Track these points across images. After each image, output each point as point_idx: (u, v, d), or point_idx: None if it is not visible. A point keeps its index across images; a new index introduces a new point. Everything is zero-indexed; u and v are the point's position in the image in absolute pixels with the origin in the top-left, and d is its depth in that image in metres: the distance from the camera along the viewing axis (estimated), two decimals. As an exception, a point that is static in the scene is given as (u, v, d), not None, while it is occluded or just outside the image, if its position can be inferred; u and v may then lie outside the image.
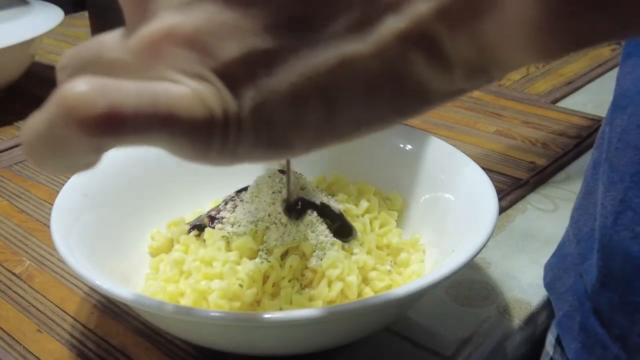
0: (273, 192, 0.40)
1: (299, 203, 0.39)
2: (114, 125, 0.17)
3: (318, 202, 0.40)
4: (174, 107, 0.18)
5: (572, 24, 0.17)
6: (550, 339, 0.42)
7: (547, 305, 0.43)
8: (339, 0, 0.18)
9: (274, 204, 0.40)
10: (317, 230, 0.39)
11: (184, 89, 0.19)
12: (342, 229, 0.40)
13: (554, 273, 0.41)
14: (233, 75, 0.19)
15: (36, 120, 0.18)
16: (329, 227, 0.39)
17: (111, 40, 0.20)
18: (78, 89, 0.17)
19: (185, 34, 0.19)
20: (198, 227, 0.41)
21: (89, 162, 0.20)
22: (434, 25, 0.18)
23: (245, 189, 0.42)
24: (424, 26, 0.18)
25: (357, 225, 0.41)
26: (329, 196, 0.42)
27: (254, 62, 0.19)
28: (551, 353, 0.41)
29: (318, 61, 0.19)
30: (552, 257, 0.42)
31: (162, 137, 0.19)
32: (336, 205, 0.41)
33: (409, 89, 0.19)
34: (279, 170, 0.42)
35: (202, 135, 0.19)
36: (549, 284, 0.41)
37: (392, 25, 0.18)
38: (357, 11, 0.18)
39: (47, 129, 0.18)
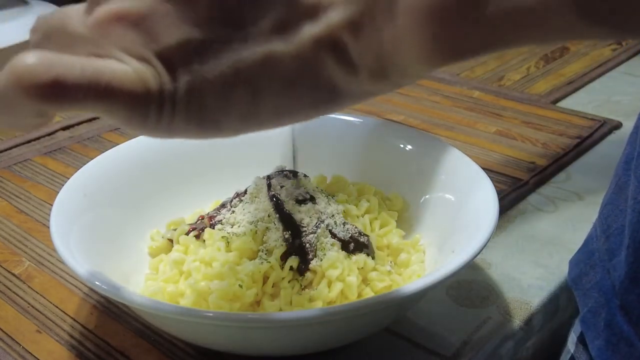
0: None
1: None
2: (55, 93, 0.20)
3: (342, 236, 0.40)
4: (114, 82, 0.21)
5: (449, 38, 0.20)
6: (572, 337, 0.42)
7: (547, 306, 0.43)
8: (265, 3, 0.21)
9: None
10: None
11: (126, 68, 0.22)
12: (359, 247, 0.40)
13: (579, 269, 0.41)
14: (171, 60, 0.22)
15: None
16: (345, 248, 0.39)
17: (74, 13, 0.23)
18: (28, 61, 0.20)
19: (133, 17, 0.22)
20: (198, 229, 0.41)
21: (34, 124, 0.23)
22: (343, 33, 0.21)
23: (244, 192, 0.42)
24: (335, 33, 0.21)
25: (357, 225, 0.41)
26: (329, 196, 0.42)
27: (190, 49, 0.22)
28: (572, 351, 0.41)
29: (246, 55, 0.22)
30: (577, 253, 0.42)
31: (101, 107, 0.22)
32: (340, 216, 0.41)
33: (322, 86, 0.22)
34: (278, 170, 0.42)
35: (139, 109, 0.22)
36: (574, 279, 0.41)
37: (309, 30, 0.21)
38: (281, 14, 0.21)
39: None
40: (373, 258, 0.40)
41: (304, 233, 0.38)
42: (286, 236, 0.38)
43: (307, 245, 0.38)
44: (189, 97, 0.22)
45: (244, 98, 0.22)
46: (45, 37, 0.24)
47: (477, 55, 0.21)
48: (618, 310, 0.36)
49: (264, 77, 0.22)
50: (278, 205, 0.39)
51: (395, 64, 0.21)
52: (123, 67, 0.22)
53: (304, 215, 0.39)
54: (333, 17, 0.21)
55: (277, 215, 0.39)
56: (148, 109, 0.22)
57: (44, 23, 0.24)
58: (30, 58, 0.21)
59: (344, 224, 0.40)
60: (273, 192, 0.40)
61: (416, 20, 0.20)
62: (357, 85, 0.23)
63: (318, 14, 0.21)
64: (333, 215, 0.40)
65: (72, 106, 0.21)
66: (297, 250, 0.38)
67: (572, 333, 0.42)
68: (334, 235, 0.39)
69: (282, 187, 0.41)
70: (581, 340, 0.40)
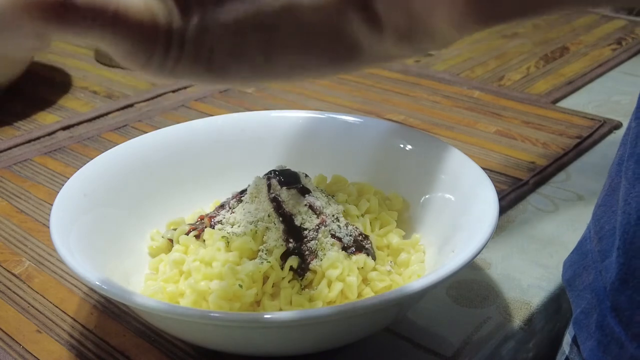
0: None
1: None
2: (63, 13, 0.19)
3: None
4: (123, 9, 0.20)
5: (483, 7, 0.19)
6: (567, 338, 0.42)
7: (547, 306, 0.43)
8: None
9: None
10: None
11: (138, 0, 0.20)
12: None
13: (573, 270, 0.41)
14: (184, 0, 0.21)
15: None
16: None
17: None
18: None
19: None
20: (198, 229, 0.41)
21: (28, 48, 0.22)
22: None
23: (244, 191, 0.42)
24: None
25: (357, 225, 0.41)
26: (329, 196, 0.42)
27: None
28: (567, 352, 0.41)
29: (266, 2, 0.21)
30: (571, 254, 0.42)
31: (106, 35, 0.20)
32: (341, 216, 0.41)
33: (343, 43, 0.21)
34: (276, 170, 0.42)
35: (144, 43, 0.21)
36: (568, 280, 0.41)
37: None
38: None
39: None
40: (374, 259, 0.40)
41: (305, 239, 0.38)
42: (290, 244, 0.38)
43: (307, 252, 0.38)
44: (200, 39, 0.21)
45: (259, 46, 0.21)
46: None
47: (511, 20, 0.20)
48: (609, 311, 0.36)
49: (283, 27, 0.21)
50: (279, 208, 0.39)
51: (424, 26, 0.20)
52: None
53: (305, 216, 0.39)
54: None
55: (280, 219, 0.39)
56: (154, 44, 0.21)
57: None
58: None
59: (346, 225, 0.40)
60: (274, 194, 0.40)
61: None
62: (379, 46, 0.22)
63: None
64: (334, 215, 0.40)
65: (75, 31, 0.20)
66: (297, 252, 0.38)
67: (567, 334, 0.42)
68: (334, 236, 0.39)
69: (282, 187, 0.40)
70: (575, 341, 0.40)
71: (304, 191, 0.40)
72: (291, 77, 0.23)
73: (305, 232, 0.39)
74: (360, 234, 0.40)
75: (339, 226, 0.40)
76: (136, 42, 0.21)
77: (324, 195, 0.42)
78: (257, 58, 0.22)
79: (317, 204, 0.40)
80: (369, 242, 0.40)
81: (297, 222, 0.39)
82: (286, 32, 0.21)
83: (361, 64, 0.22)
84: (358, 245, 0.39)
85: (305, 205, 0.40)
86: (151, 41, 0.21)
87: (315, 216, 0.39)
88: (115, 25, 0.20)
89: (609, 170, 0.40)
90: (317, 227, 0.39)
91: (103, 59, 0.83)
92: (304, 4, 0.21)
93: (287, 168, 0.43)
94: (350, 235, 0.39)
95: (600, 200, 0.40)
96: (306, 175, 0.42)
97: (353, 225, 0.41)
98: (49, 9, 0.19)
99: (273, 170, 0.42)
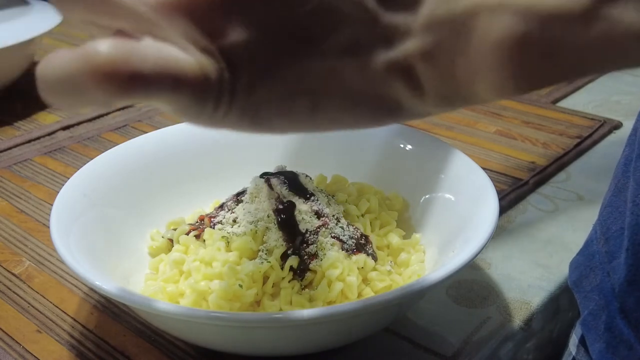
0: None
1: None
2: (133, 85, 0.20)
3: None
4: (182, 73, 0.21)
5: (526, 74, 0.20)
6: (573, 339, 0.41)
7: (547, 306, 0.43)
8: (342, 21, 0.21)
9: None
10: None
11: (189, 57, 0.21)
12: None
13: (580, 271, 0.41)
14: (234, 58, 0.21)
15: (58, 64, 0.20)
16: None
17: None
18: (104, 50, 0.19)
19: (204, 6, 0.21)
20: (198, 229, 0.41)
21: (98, 106, 0.22)
22: (417, 61, 0.21)
23: (240, 193, 0.42)
24: (409, 61, 0.21)
25: (357, 225, 0.41)
26: (329, 196, 0.42)
27: (257, 52, 0.21)
28: (574, 353, 0.41)
29: (313, 67, 0.21)
30: (577, 255, 0.42)
31: (166, 97, 0.21)
32: (337, 206, 0.41)
33: (385, 104, 0.22)
34: (275, 171, 0.42)
35: (197, 100, 0.21)
36: (574, 282, 0.41)
37: (383, 54, 0.21)
38: (357, 34, 0.21)
39: (67, 75, 0.20)
40: (375, 260, 0.40)
41: (306, 243, 0.38)
42: (290, 245, 0.38)
43: (306, 256, 0.38)
44: (247, 97, 0.22)
45: (304, 107, 0.22)
46: (91, 5, 0.22)
47: (552, 85, 0.21)
48: (618, 313, 0.36)
49: (328, 91, 0.22)
50: (283, 211, 0.39)
51: (466, 91, 0.21)
52: (186, 56, 0.21)
53: (305, 216, 0.39)
54: (409, 45, 0.21)
55: (278, 222, 0.39)
56: (206, 101, 0.22)
57: None
58: (105, 46, 0.20)
59: (347, 225, 0.40)
60: (278, 194, 0.40)
61: (493, 54, 0.20)
62: (420, 107, 0.22)
63: (394, 39, 0.21)
64: (334, 216, 0.40)
65: (141, 97, 0.21)
66: (298, 253, 0.38)
67: (574, 335, 0.42)
68: (334, 236, 0.39)
69: (282, 187, 0.40)
70: (582, 342, 0.40)
71: (306, 196, 0.40)
72: (332, 129, 0.24)
73: (307, 234, 0.39)
74: (361, 234, 0.40)
75: (342, 227, 0.40)
76: (190, 99, 0.22)
77: (324, 195, 0.42)
78: (301, 116, 0.23)
79: (320, 207, 0.40)
80: (370, 246, 0.40)
81: (301, 227, 0.39)
82: (331, 95, 0.22)
83: (399, 120, 0.23)
84: (358, 245, 0.39)
85: (308, 208, 0.40)
86: (204, 99, 0.22)
87: (316, 217, 0.39)
88: (175, 89, 0.21)
89: (615, 171, 0.39)
90: (317, 229, 0.39)
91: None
92: (350, 70, 0.21)
93: (286, 168, 0.43)
94: (352, 238, 0.39)
95: (607, 201, 0.40)
96: (306, 175, 0.42)
97: (353, 226, 0.41)
98: (117, 79, 0.19)
99: (265, 172, 0.42)
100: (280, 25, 0.21)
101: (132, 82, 0.20)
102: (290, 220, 0.39)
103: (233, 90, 0.22)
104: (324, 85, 0.22)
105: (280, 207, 0.39)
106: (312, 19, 0.21)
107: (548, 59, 0.19)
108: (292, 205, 0.39)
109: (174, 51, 0.21)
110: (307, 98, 0.22)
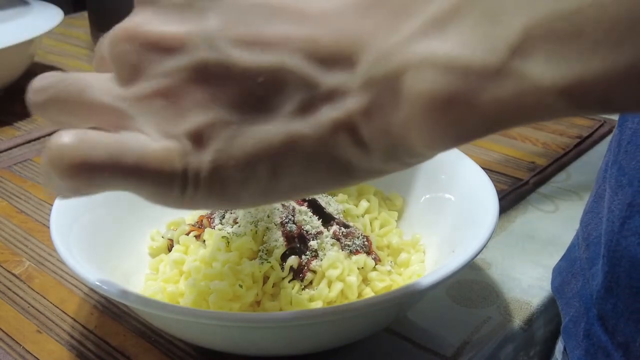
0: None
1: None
2: (85, 174, 0.22)
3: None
4: (140, 162, 0.22)
5: (451, 126, 0.21)
6: (559, 346, 0.41)
7: (547, 306, 0.43)
8: (289, 87, 0.22)
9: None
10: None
11: (153, 144, 0.23)
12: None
13: (562, 277, 0.41)
14: (198, 138, 0.23)
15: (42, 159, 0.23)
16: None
17: (94, 81, 0.24)
18: (60, 141, 0.22)
19: (166, 94, 0.23)
20: (198, 229, 0.41)
21: (72, 194, 0.24)
22: (357, 118, 0.22)
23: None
24: (352, 119, 0.22)
25: (357, 225, 0.41)
26: (329, 196, 0.42)
27: (218, 130, 0.23)
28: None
29: (269, 136, 0.23)
30: (560, 260, 0.42)
31: (129, 185, 0.23)
32: (336, 205, 0.41)
33: (338, 164, 0.23)
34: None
35: (163, 187, 0.23)
36: (557, 288, 0.41)
37: (328, 113, 0.22)
38: (303, 97, 0.22)
39: (42, 166, 0.23)
40: (376, 262, 0.40)
41: (304, 244, 0.39)
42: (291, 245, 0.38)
43: (305, 259, 0.38)
44: (212, 175, 0.23)
45: (265, 175, 0.23)
46: (56, 101, 0.24)
47: (482, 137, 0.21)
48: (596, 320, 0.36)
49: (286, 156, 0.23)
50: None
51: (404, 146, 0.22)
52: (149, 143, 0.23)
53: (305, 217, 0.39)
54: (349, 104, 0.22)
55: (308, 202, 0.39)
56: (172, 186, 0.23)
57: (54, 85, 0.24)
58: (64, 137, 0.22)
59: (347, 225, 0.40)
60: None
61: (419, 109, 0.21)
62: (369, 164, 0.23)
63: (336, 98, 0.22)
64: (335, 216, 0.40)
65: (100, 184, 0.23)
66: (298, 253, 0.38)
67: (560, 342, 0.42)
68: (334, 236, 0.39)
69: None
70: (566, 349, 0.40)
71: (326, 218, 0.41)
72: (295, 195, 0.25)
73: (309, 235, 0.39)
74: (360, 234, 0.40)
75: (343, 230, 0.40)
76: (155, 186, 0.23)
77: (324, 195, 0.42)
78: (264, 184, 0.23)
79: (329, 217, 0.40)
80: (368, 242, 0.40)
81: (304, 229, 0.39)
82: (289, 160, 0.23)
83: (356, 180, 0.24)
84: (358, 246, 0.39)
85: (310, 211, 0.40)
86: (168, 184, 0.23)
87: (316, 218, 0.40)
88: (134, 176, 0.23)
89: (596, 176, 0.39)
90: (317, 231, 0.39)
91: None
92: (302, 134, 0.22)
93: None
94: (349, 234, 0.39)
95: (588, 206, 0.40)
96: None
97: (353, 226, 0.41)
98: (72, 170, 0.22)
99: None
100: (240, 98, 0.23)
101: (83, 170, 0.22)
102: (317, 202, 0.39)
103: (199, 173, 0.23)
104: (281, 150, 0.23)
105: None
106: (265, 89, 0.22)
107: (469, 112, 0.20)
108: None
109: (135, 137, 0.23)
110: (267, 165, 0.23)
